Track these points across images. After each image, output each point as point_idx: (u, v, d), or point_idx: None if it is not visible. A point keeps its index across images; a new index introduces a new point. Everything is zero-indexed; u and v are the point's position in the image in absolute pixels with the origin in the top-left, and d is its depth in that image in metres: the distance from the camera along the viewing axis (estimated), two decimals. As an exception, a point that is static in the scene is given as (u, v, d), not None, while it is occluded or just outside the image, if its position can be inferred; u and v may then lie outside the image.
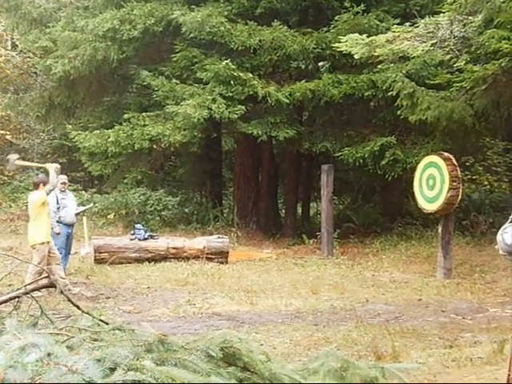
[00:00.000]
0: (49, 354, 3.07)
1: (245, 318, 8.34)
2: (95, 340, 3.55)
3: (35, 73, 23.23)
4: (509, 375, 2.85)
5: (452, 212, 11.94)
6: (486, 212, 15.21)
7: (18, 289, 5.10)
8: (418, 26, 11.87)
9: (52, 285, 4.85)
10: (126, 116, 16.26)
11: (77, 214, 11.50)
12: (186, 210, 18.90)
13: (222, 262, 13.01)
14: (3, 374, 2.84)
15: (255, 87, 14.92)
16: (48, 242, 9.67)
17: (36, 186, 9.98)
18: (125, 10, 15.84)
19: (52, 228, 10.31)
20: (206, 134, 16.17)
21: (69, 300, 4.64)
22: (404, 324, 8.00)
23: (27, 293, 4.48)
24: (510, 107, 16.29)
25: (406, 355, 6.26)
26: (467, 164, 15.18)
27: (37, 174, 11.88)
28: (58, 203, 10.81)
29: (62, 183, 11.04)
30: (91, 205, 12.85)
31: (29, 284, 5.30)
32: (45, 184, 9.87)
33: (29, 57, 22.34)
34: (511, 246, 2.71)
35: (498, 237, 2.83)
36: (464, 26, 11.54)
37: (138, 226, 13.82)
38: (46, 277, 4.80)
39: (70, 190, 20.18)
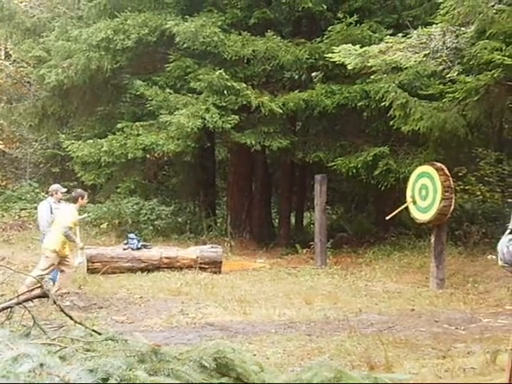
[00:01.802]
0: (41, 365, 3.06)
1: (238, 328, 8.32)
2: (88, 350, 3.55)
3: (28, 82, 23.23)
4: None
5: (445, 222, 11.96)
6: (478, 222, 15.24)
7: (11, 299, 5.08)
8: (410, 37, 11.94)
9: (45, 295, 4.84)
10: (119, 125, 16.26)
11: None
12: (180, 220, 18.86)
13: (215, 272, 12.99)
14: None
15: (249, 97, 14.95)
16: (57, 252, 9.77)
17: (75, 200, 10.20)
18: (118, 19, 15.86)
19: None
20: (199, 143, 16.18)
21: (61, 310, 4.63)
22: (397, 334, 8.00)
23: (20, 303, 4.47)
24: (502, 118, 16.42)
25: (399, 365, 6.26)
26: (460, 174, 15.22)
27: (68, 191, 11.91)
28: (51, 213, 10.70)
29: (62, 193, 11.05)
30: (85, 215, 12.80)
31: (21, 294, 5.28)
32: (82, 198, 10.20)
33: (22, 66, 22.33)
34: None
35: (503, 249, 2.81)
36: (456, 36, 11.61)
37: (131, 235, 13.78)
38: (39, 287, 4.79)
39: (64, 199, 20.21)
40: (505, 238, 2.83)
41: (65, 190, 11.27)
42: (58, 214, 10.12)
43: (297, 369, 5.95)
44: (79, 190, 10.55)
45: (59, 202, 10.94)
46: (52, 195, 10.94)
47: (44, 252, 9.90)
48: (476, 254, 13.71)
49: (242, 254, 15.87)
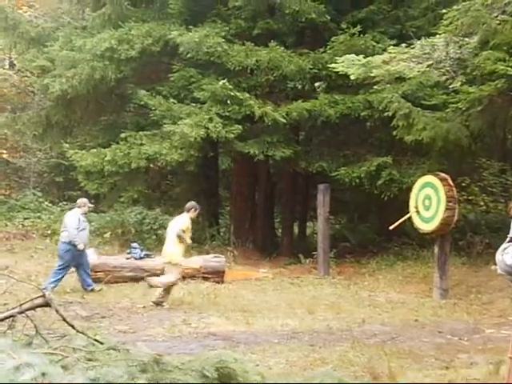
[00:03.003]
0: (43, 374, 3.06)
1: (240, 338, 8.30)
2: (90, 360, 3.54)
3: (32, 92, 23.26)
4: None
5: (448, 232, 11.95)
6: (482, 232, 15.22)
7: (13, 308, 5.08)
8: (414, 48, 11.95)
9: (47, 304, 4.84)
10: (123, 135, 16.28)
11: None
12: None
13: (218, 282, 12.97)
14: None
15: (252, 107, 14.97)
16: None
17: (187, 210, 11.01)
18: (123, 30, 15.93)
19: (76, 245, 11.33)
20: (202, 153, 16.21)
21: (63, 319, 4.62)
22: (400, 345, 7.97)
23: (22, 312, 4.47)
24: (505, 128, 16.40)
25: (403, 376, 6.23)
26: (463, 184, 15.20)
27: None
28: (78, 224, 11.45)
29: (89, 206, 12.02)
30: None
31: (24, 303, 5.28)
32: (195, 210, 11.09)
33: (26, 76, 22.37)
34: (511, 266, 2.72)
35: (498, 257, 2.83)
36: (460, 47, 11.62)
37: (134, 244, 13.79)
38: (41, 296, 4.79)
39: (66, 208, 20.24)
40: (502, 246, 2.85)
41: (92, 205, 12.29)
42: (174, 223, 11.03)
43: (299, 379, 5.92)
44: (193, 203, 11.29)
45: (85, 214, 11.96)
46: (80, 207, 11.77)
47: (170, 263, 10.77)
48: (479, 265, 13.67)
49: (245, 263, 15.85)
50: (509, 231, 2.90)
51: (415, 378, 6.19)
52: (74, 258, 11.51)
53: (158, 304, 10.52)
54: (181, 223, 10.82)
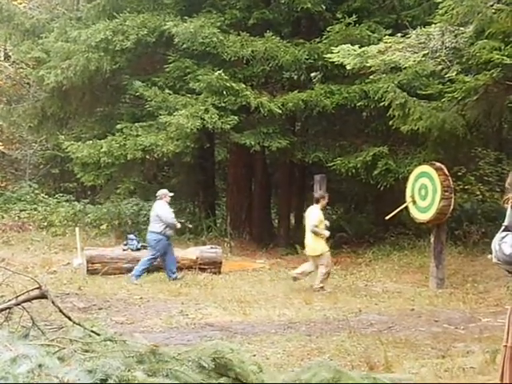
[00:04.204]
0: (40, 366, 3.06)
1: (238, 329, 8.32)
2: (86, 351, 3.55)
3: (28, 83, 23.21)
4: (501, 385, 2.85)
5: (444, 222, 11.96)
6: (478, 222, 15.25)
7: (10, 300, 5.08)
8: (409, 37, 11.92)
9: (43, 296, 4.84)
10: (118, 126, 16.24)
11: None
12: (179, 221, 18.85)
13: (214, 273, 12.99)
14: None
15: (248, 98, 14.94)
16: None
17: (317, 201, 11.55)
18: (117, 20, 15.86)
19: (175, 226, 12.43)
20: (198, 144, 16.18)
21: (60, 311, 4.63)
22: (397, 334, 8.00)
23: (18, 304, 4.47)
24: (501, 117, 16.40)
25: (399, 365, 6.26)
26: (459, 174, 15.21)
27: None
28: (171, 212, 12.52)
29: (169, 196, 12.62)
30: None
31: (21, 295, 5.28)
32: (324, 198, 11.60)
33: (21, 67, 22.30)
34: (510, 256, 2.72)
35: (495, 246, 2.83)
36: (455, 36, 11.59)
37: (131, 236, 13.79)
38: (38, 288, 4.79)
39: (63, 200, 20.22)
40: (498, 235, 2.85)
41: (171, 194, 12.74)
42: (308, 217, 11.56)
43: (296, 369, 5.94)
44: (320, 192, 12.12)
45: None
46: (161, 198, 12.50)
47: (317, 256, 11.32)
48: (475, 254, 13.72)
49: (241, 254, 15.87)
50: (504, 220, 2.91)
51: (411, 367, 6.22)
52: (164, 248, 12.23)
53: (320, 289, 11.22)
54: (313, 219, 11.31)
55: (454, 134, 13.28)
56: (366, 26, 15.03)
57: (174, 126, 14.76)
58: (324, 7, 15.68)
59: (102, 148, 15.72)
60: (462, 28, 11.46)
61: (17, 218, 18.97)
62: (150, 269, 12.74)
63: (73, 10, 19.43)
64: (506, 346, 2.88)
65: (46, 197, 20.88)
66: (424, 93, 13.55)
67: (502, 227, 2.92)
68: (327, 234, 11.40)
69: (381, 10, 16.29)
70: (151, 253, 12.34)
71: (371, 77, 13.62)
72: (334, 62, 12.91)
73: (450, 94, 12.40)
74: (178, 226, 12.64)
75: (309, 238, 11.43)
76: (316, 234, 11.24)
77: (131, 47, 15.84)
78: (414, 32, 11.90)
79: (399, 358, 6.62)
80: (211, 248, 13.60)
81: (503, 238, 2.84)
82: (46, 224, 18.27)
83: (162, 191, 12.70)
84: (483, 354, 6.35)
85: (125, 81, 17.06)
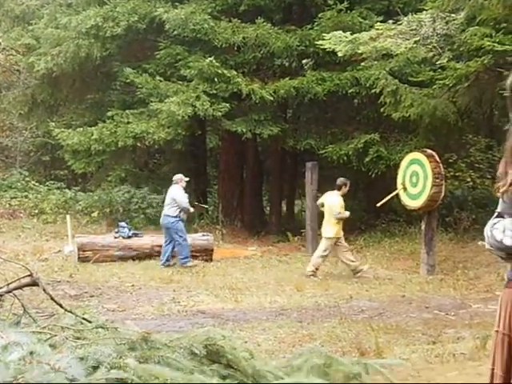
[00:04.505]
0: (31, 353, 3.06)
1: (229, 316, 8.33)
2: (78, 338, 3.55)
3: (18, 70, 23.07)
4: (492, 369, 2.87)
5: (435, 209, 11.98)
6: (468, 208, 15.32)
7: (1, 287, 5.07)
8: (401, 24, 11.92)
9: (35, 283, 4.83)
10: (109, 113, 16.20)
11: None
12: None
13: (206, 260, 13.00)
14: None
15: (239, 84, 14.91)
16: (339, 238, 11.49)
17: (339, 187, 11.64)
18: (108, 7, 15.78)
19: (189, 210, 12.76)
20: (190, 131, 16.15)
21: (51, 298, 4.62)
22: (388, 320, 8.03)
23: (9, 291, 4.46)
24: (492, 104, 16.44)
25: (390, 351, 6.29)
26: (450, 161, 15.26)
27: None
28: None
29: (185, 181, 12.91)
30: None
31: (12, 282, 5.27)
32: (346, 186, 11.64)
33: (11, 54, 22.15)
34: (500, 242, 2.74)
35: (487, 232, 2.85)
36: (447, 23, 11.59)
37: (122, 223, 13.76)
38: (29, 275, 4.78)
39: (54, 187, 20.14)
40: (491, 222, 2.87)
41: (187, 179, 13.01)
42: (326, 201, 11.67)
43: (288, 355, 5.97)
44: (342, 179, 11.77)
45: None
46: (177, 183, 12.76)
47: (331, 239, 11.47)
48: (466, 240, 13.78)
49: (233, 241, 15.88)
50: (497, 207, 2.92)
51: (402, 352, 6.25)
52: (182, 229, 12.48)
53: (358, 272, 11.45)
54: (335, 206, 11.42)
55: (445, 120, 13.31)
56: (357, 12, 15.02)
57: (165, 113, 14.72)
58: (315, -7, 15.64)
59: (92, 135, 15.69)
60: (453, 15, 11.47)
61: (8, 205, 18.91)
62: (142, 256, 12.76)
63: (63, -3, 19.29)
64: (497, 331, 2.89)
65: (37, 184, 20.81)
66: (415, 80, 13.55)
67: (495, 213, 2.94)
68: (347, 214, 11.60)
69: (372, -3, 16.25)
70: (178, 235, 12.42)
71: (363, 64, 13.63)
72: (325, 49, 12.91)
73: (441, 81, 12.41)
74: (191, 210, 12.96)
75: (328, 221, 11.56)
76: (341, 219, 11.44)
77: (122, 34, 15.77)
78: (405, 19, 11.90)
79: (390, 344, 6.65)
80: (203, 235, 13.60)
81: (495, 224, 2.86)
82: (36, 211, 18.22)
83: (178, 176, 12.95)
84: (474, 339, 6.38)
85: (115, 68, 17.01)
